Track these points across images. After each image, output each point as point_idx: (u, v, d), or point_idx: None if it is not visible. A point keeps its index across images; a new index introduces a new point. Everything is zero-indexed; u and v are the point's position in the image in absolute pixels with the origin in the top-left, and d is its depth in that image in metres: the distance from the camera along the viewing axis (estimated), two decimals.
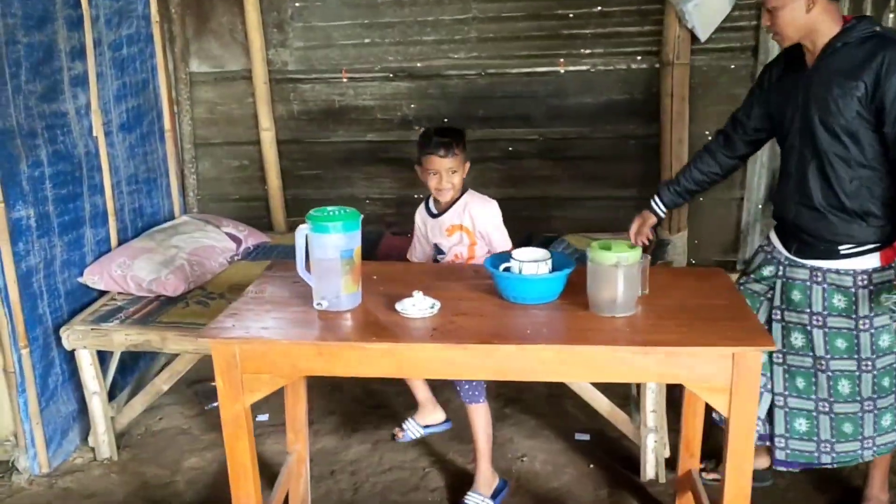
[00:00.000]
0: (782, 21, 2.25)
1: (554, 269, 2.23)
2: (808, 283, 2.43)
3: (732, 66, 3.71)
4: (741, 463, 2.01)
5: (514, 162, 4.01)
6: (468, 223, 2.75)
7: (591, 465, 3.06)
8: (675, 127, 3.68)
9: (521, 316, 2.16)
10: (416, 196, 4.12)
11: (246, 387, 2.09)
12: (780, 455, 2.58)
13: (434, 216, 2.82)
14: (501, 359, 2.01)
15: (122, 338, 3.05)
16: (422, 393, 3.15)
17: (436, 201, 2.82)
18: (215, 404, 3.59)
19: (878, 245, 2.34)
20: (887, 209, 2.30)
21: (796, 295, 2.45)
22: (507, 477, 2.94)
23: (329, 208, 2.23)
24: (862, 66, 2.19)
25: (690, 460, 2.63)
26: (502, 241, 2.74)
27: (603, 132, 3.89)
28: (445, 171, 2.68)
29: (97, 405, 3.16)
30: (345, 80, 4.04)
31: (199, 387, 3.74)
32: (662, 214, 2.76)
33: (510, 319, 2.15)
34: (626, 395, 3.09)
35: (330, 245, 2.16)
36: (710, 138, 2.72)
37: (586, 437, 3.25)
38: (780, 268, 2.50)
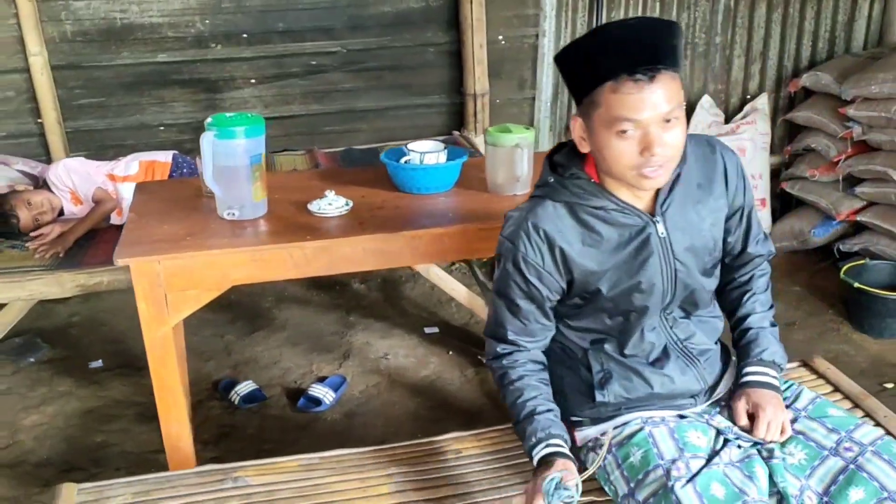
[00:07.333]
0: (682, 134, 1.45)
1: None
2: None
3: None
4: None
5: (318, 76, 3.97)
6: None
7: (451, 352, 3.26)
8: (476, 33, 3.87)
9: (437, 203, 2.25)
10: None
11: (171, 307, 1.98)
12: None
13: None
14: (446, 241, 2.09)
15: None
16: None
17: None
18: (32, 359, 3.27)
19: None
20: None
21: None
22: (377, 375, 3.07)
23: (226, 115, 2.14)
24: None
25: None
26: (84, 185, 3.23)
27: (402, 41, 3.98)
28: None
29: None
30: None
31: (16, 342, 3.36)
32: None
33: (428, 207, 2.23)
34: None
35: (239, 150, 2.08)
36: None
37: (435, 329, 3.43)
38: None
